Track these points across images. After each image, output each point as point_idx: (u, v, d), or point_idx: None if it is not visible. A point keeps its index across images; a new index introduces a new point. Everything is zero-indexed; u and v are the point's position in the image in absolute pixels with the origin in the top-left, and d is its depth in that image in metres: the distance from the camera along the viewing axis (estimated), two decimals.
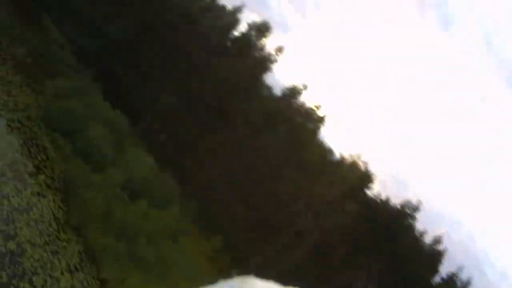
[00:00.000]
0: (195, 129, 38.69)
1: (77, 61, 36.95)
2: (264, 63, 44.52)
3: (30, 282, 16.40)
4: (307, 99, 44.07)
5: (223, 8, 46.79)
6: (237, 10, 46.18)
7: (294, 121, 42.66)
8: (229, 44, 45.32)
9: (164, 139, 38.66)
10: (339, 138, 48.59)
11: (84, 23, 39.26)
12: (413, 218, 39.73)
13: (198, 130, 38.92)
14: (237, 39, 45.54)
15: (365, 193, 41.19)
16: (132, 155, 32.26)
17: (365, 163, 41.24)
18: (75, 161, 27.64)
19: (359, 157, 41.44)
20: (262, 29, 45.09)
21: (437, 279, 39.07)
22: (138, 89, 39.16)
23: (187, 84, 40.78)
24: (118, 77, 38.61)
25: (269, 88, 45.11)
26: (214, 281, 1.41)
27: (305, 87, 44.04)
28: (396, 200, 40.62)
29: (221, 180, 36.93)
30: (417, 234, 39.71)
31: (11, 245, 17.76)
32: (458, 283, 38.59)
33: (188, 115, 39.59)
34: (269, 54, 44.74)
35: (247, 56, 44.52)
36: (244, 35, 45.47)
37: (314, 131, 43.58)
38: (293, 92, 44.16)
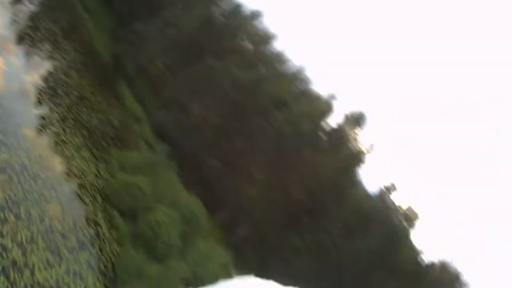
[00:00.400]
0: (280, 225, 35.01)
1: (153, 135, 33.34)
2: (358, 157, 42.22)
3: None
4: (399, 199, 42.72)
5: (317, 95, 45.18)
6: (331, 97, 44.31)
7: (387, 221, 39.85)
8: (321, 134, 42.98)
9: (244, 233, 33.32)
10: (430, 240, 47.00)
11: (167, 98, 36.46)
12: None
13: (283, 226, 35.10)
14: (330, 129, 43.77)
15: None
16: (203, 248, 27.13)
17: (456, 266, 39.52)
18: (132, 246, 22.76)
19: (451, 260, 39.78)
20: (359, 119, 43.07)
21: None
22: (220, 174, 35.94)
23: (274, 175, 37.35)
24: (198, 159, 35.53)
25: (361, 185, 43.14)
26: None
27: (395, 187, 42.38)
28: None
29: (307, 282, 30.44)
30: None
31: None
32: None
33: (274, 209, 35.47)
34: (364, 148, 42.79)
35: (341, 148, 42.18)
36: (339, 126, 43.79)
37: (407, 233, 41.21)
38: (387, 190, 42.40)
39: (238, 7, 47.32)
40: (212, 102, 38.26)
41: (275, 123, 38.69)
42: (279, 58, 46.64)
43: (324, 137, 42.35)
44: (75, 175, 22.58)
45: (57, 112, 24.08)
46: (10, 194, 17.20)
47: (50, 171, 20.74)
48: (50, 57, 27.79)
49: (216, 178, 35.64)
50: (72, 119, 25.20)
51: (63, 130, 23.65)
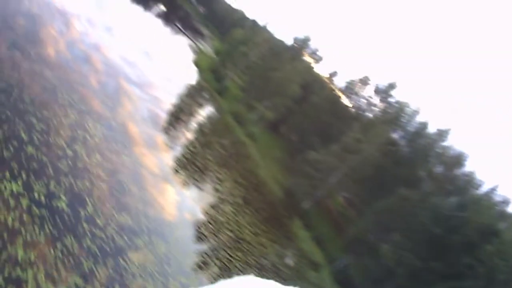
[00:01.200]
0: None
1: (334, 284, 28.77)
2: None
3: None
4: None
5: None
6: None
7: None
8: None
9: None
10: None
11: (352, 238, 33.32)
12: None
13: None
14: None
15: None
16: None
17: None
18: None
19: None
20: None
21: None
22: None
23: None
24: None
25: None
26: None
27: None
28: None
29: None
30: None
31: None
32: None
33: None
34: None
35: None
36: None
37: None
38: None
39: (423, 126, 42.10)
40: (408, 240, 32.43)
41: (484, 257, 32.35)
42: (472, 181, 40.61)
43: None
44: None
45: (201, 256, 17.82)
46: None
47: None
48: (204, 188, 23.18)
49: None
50: (219, 267, 18.38)
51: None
